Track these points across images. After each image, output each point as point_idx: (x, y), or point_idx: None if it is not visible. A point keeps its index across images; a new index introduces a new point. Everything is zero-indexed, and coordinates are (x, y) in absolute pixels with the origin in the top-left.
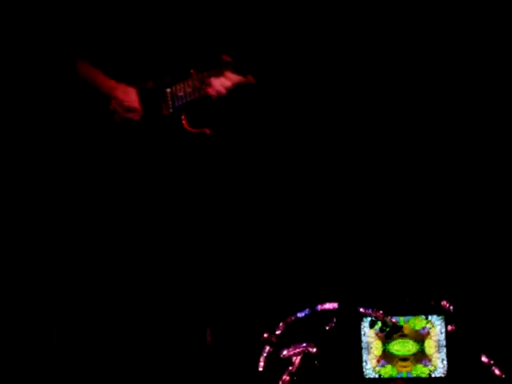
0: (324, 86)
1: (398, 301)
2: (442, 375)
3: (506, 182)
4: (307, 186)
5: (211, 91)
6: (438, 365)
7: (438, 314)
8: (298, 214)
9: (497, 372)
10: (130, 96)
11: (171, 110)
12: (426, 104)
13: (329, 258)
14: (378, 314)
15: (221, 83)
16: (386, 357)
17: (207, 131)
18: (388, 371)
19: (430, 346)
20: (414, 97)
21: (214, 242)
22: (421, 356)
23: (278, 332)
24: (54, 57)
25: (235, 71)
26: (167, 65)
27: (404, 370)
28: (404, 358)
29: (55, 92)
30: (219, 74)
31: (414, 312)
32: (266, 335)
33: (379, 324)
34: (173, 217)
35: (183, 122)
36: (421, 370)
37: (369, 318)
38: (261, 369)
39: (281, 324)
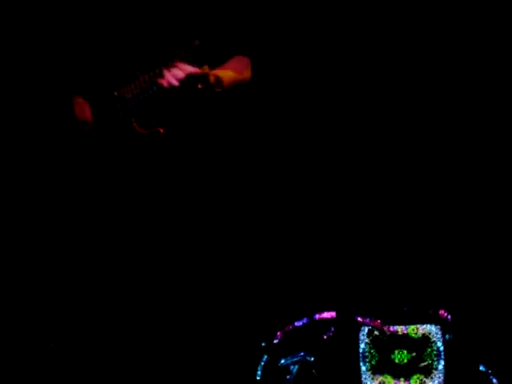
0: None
1: (395, 310)
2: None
3: (504, 192)
4: (303, 193)
5: (164, 82)
6: (436, 374)
7: (436, 324)
8: (296, 223)
9: (494, 381)
10: (84, 111)
11: (120, 114)
12: (426, 104)
13: (326, 267)
14: (376, 323)
15: (173, 74)
16: (384, 366)
17: (161, 130)
18: (386, 380)
19: (427, 355)
20: (414, 96)
21: (210, 251)
22: (418, 365)
23: (275, 341)
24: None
25: (189, 61)
26: (112, 68)
27: (402, 379)
28: (402, 367)
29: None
30: (171, 65)
31: (412, 321)
32: (263, 344)
33: (377, 333)
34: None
35: (134, 124)
36: (419, 379)
37: (366, 328)
38: (258, 378)
39: (278, 333)
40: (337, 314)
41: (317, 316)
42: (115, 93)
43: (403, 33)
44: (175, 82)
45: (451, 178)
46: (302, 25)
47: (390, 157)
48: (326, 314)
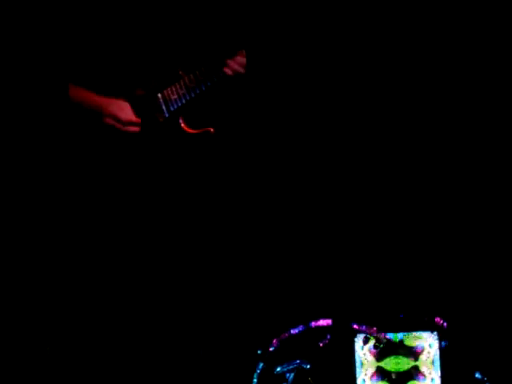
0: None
1: (391, 317)
2: None
3: (502, 197)
4: (302, 199)
5: (228, 71)
6: (432, 381)
7: (432, 331)
8: (292, 230)
9: None
10: (124, 110)
11: (167, 115)
12: (426, 103)
13: (322, 274)
14: (372, 330)
15: (238, 62)
16: (380, 373)
17: (210, 130)
18: None
19: (423, 363)
20: (414, 96)
21: (208, 256)
22: (414, 373)
23: (271, 348)
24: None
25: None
26: (151, 70)
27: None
28: (398, 375)
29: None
30: (232, 55)
31: (408, 328)
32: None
33: (373, 340)
34: (179, 225)
35: (182, 125)
36: None
37: (362, 335)
38: None
39: (274, 340)
40: (333, 321)
41: (313, 323)
42: (158, 94)
43: (402, 30)
44: (241, 70)
45: (447, 187)
46: (301, 21)
47: (384, 162)
48: (322, 322)
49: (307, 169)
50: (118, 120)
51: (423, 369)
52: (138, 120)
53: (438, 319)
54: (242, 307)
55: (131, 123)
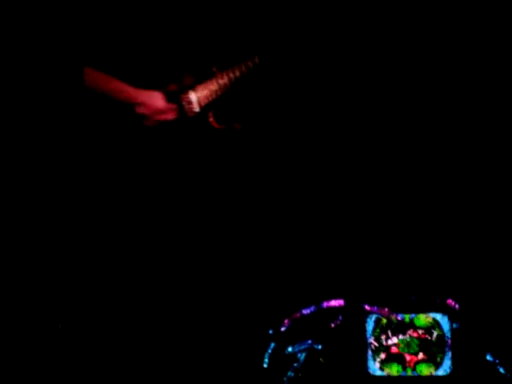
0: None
1: (403, 298)
2: (447, 374)
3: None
4: (313, 182)
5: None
6: (443, 363)
7: (444, 313)
8: (305, 211)
9: (502, 371)
10: (157, 99)
11: (197, 110)
12: (427, 103)
13: (334, 255)
14: (384, 311)
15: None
16: (391, 355)
17: (237, 126)
18: (393, 369)
19: (434, 345)
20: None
21: (220, 238)
22: (425, 354)
23: (283, 329)
24: (61, 64)
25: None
26: (185, 66)
27: (408, 368)
28: (409, 356)
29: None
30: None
31: (420, 310)
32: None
33: (384, 321)
34: (207, 215)
35: (210, 119)
36: (425, 369)
37: (374, 316)
38: (265, 365)
39: (286, 321)
40: (344, 302)
41: (324, 304)
42: (190, 90)
43: (404, 31)
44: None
45: (457, 169)
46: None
47: (396, 149)
48: (334, 302)
49: (326, 163)
50: (151, 108)
51: (434, 351)
52: (172, 106)
53: (449, 301)
54: (254, 288)
55: (164, 111)
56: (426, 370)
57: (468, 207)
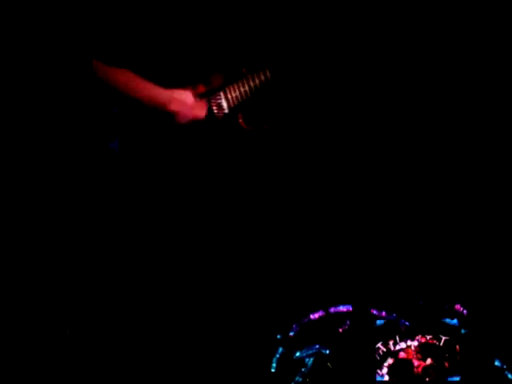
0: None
1: (411, 304)
2: (455, 380)
3: None
4: (320, 185)
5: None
6: (451, 369)
7: (452, 318)
8: (312, 216)
9: (510, 376)
10: (189, 96)
11: (227, 112)
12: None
13: (343, 260)
14: (391, 317)
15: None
16: (399, 360)
17: (266, 127)
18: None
19: (443, 350)
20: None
21: (232, 241)
22: (434, 360)
23: (291, 333)
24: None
25: None
26: (215, 67)
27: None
28: (417, 362)
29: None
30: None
31: (427, 315)
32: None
33: (392, 326)
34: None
35: (240, 121)
36: (434, 374)
37: (382, 321)
38: (273, 370)
39: (294, 325)
40: (352, 307)
41: (332, 309)
42: (220, 91)
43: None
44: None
45: (464, 174)
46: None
47: (404, 152)
48: (342, 308)
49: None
50: (184, 104)
51: (442, 356)
52: (202, 104)
53: (458, 306)
54: (262, 292)
55: (195, 108)
56: (433, 376)
57: (476, 213)
